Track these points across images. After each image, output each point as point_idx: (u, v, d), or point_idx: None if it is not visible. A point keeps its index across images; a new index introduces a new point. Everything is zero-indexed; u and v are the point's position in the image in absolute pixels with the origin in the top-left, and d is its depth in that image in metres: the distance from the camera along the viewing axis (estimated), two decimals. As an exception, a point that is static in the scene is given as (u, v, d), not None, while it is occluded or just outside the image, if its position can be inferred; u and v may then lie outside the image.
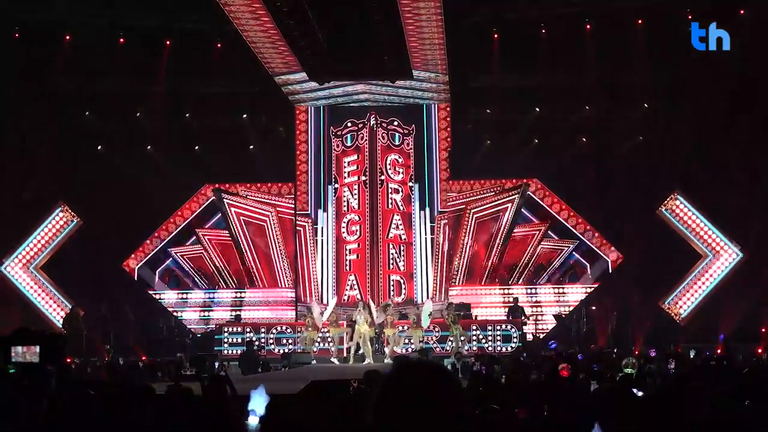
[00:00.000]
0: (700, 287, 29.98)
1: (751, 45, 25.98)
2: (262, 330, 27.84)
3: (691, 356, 21.91)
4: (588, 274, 30.70)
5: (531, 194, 30.51)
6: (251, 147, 31.75)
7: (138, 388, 8.24)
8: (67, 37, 29.11)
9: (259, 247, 30.62)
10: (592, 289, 29.83)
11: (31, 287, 30.64)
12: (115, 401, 7.94)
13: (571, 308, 29.55)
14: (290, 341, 27.79)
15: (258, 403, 6.05)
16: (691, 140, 28.68)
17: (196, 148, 31.36)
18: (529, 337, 27.92)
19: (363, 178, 30.70)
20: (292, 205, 30.91)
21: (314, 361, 26.32)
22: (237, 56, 28.27)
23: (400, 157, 30.90)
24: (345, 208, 30.86)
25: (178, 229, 31.25)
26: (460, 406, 3.16)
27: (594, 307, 29.22)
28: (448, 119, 30.96)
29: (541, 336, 28.61)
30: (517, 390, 9.22)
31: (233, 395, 10.41)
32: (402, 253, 30.63)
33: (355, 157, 30.93)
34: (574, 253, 30.65)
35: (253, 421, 6.68)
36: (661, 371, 15.09)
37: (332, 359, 26.59)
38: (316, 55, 26.07)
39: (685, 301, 29.96)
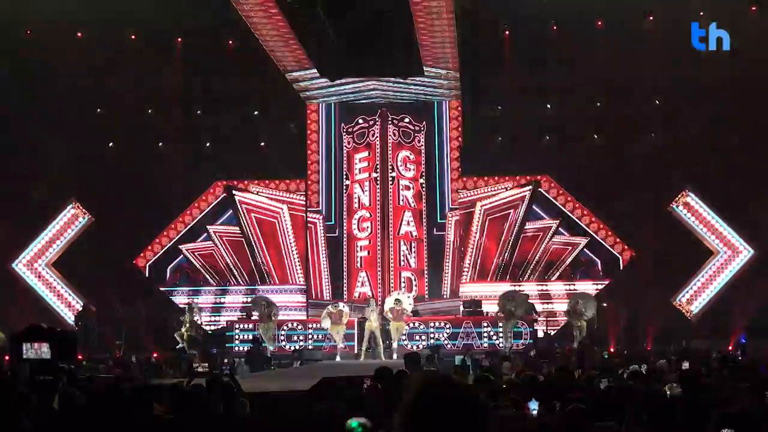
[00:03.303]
0: (711, 284, 29.89)
1: (760, 42, 25.92)
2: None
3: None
4: (599, 271, 30.61)
5: (542, 191, 30.42)
6: (262, 144, 31.75)
7: (149, 385, 8.25)
8: (79, 35, 29.18)
9: (270, 243, 30.62)
10: (603, 286, 29.75)
11: (43, 284, 30.69)
12: (126, 398, 7.95)
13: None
14: (301, 338, 27.78)
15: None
16: (702, 137, 28.59)
17: (207, 145, 31.41)
18: (540, 333, 27.87)
19: (374, 174, 30.70)
20: (303, 202, 30.93)
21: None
22: (248, 53, 28.29)
23: (411, 154, 30.89)
24: (356, 205, 30.86)
25: (189, 226, 31.23)
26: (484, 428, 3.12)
27: (605, 304, 29.14)
28: (460, 118, 30.94)
29: (552, 333, 28.57)
30: (526, 386, 9.19)
31: (238, 392, 10.40)
32: (413, 249, 30.62)
33: (366, 153, 30.92)
34: (585, 249, 30.54)
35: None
36: (671, 368, 15.04)
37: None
38: (327, 51, 26.07)
39: (696, 298, 29.88)
